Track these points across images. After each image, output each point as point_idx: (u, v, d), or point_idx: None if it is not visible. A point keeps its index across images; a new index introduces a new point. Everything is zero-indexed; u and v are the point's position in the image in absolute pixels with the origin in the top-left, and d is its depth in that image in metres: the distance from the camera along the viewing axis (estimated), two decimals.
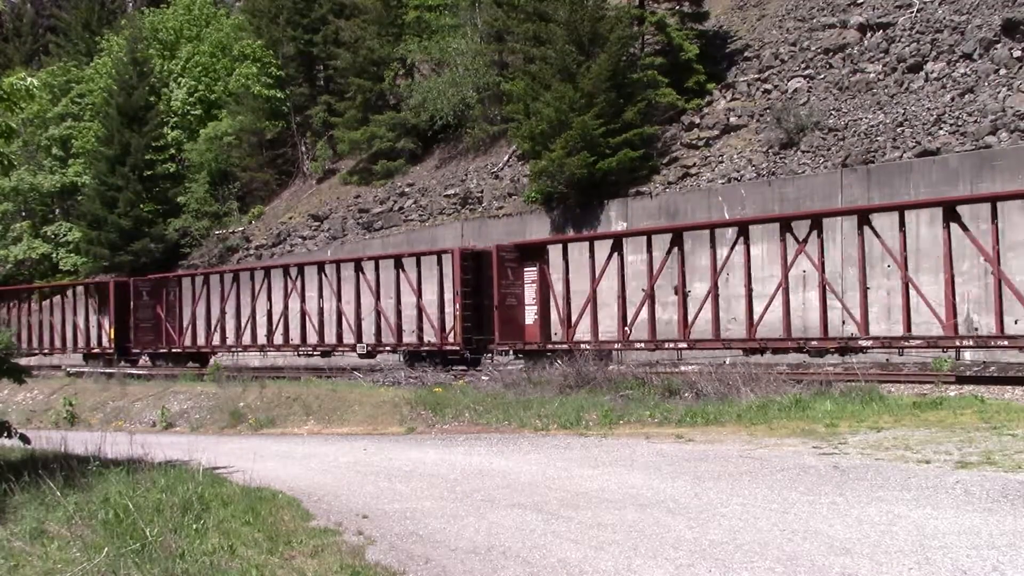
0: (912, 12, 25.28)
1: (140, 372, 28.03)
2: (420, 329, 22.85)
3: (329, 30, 39.62)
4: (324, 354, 25.17)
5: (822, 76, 25.60)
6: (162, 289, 29.45)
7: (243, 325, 27.18)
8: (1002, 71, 21.91)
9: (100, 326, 30.92)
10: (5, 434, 9.55)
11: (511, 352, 20.89)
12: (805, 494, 7.69)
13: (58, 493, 8.03)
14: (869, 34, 25.76)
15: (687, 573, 5.73)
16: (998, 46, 22.40)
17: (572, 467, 9.84)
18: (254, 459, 10.62)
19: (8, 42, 59.19)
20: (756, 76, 27.22)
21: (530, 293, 20.97)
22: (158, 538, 6.51)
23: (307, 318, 25.45)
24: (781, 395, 13.41)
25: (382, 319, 23.73)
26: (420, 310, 22.72)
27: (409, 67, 37.58)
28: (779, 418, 12.19)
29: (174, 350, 28.97)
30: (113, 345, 29.79)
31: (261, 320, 26.85)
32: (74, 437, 13.39)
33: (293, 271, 26.13)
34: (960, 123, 21.15)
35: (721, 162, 25.01)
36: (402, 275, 23.32)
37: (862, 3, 26.95)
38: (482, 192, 30.65)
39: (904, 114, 22.46)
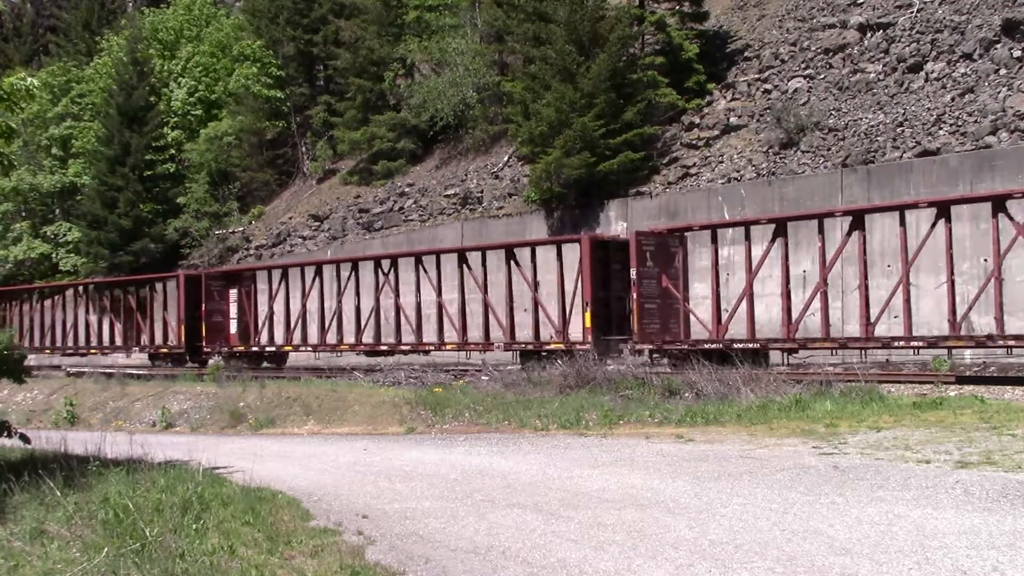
0: (912, 12, 25.28)
1: (141, 372, 27.97)
2: None
3: (329, 30, 39.65)
4: None
5: (822, 76, 25.61)
6: (669, 251, 18.85)
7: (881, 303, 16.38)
8: (1002, 71, 21.91)
9: (567, 301, 19.75)
10: (5, 434, 9.55)
11: None
12: (805, 494, 7.69)
13: (58, 493, 8.03)
14: (869, 34, 25.76)
15: (687, 573, 5.73)
16: (998, 46, 22.40)
17: (572, 467, 9.84)
18: (254, 459, 10.62)
19: (8, 42, 59.23)
20: (756, 76, 27.22)
21: None
22: (158, 538, 6.51)
23: None
24: (781, 395, 13.41)
25: None
26: None
27: (409, 67, 37.59)
28: (779, 418, 12.19)
29: (709, 346, 17.67)
30: (589, 335, 19.04)
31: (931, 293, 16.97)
32: (74, 437, 13.38)
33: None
34: (960, 123, 21.15)
35: (721, 162, 25.01)
36: None
37: (862, 3, 26.96)
38: (482, 192, 30.65)
39: (904, 114, 22.46)
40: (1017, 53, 21.96)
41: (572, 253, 19.99)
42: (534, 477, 9.36)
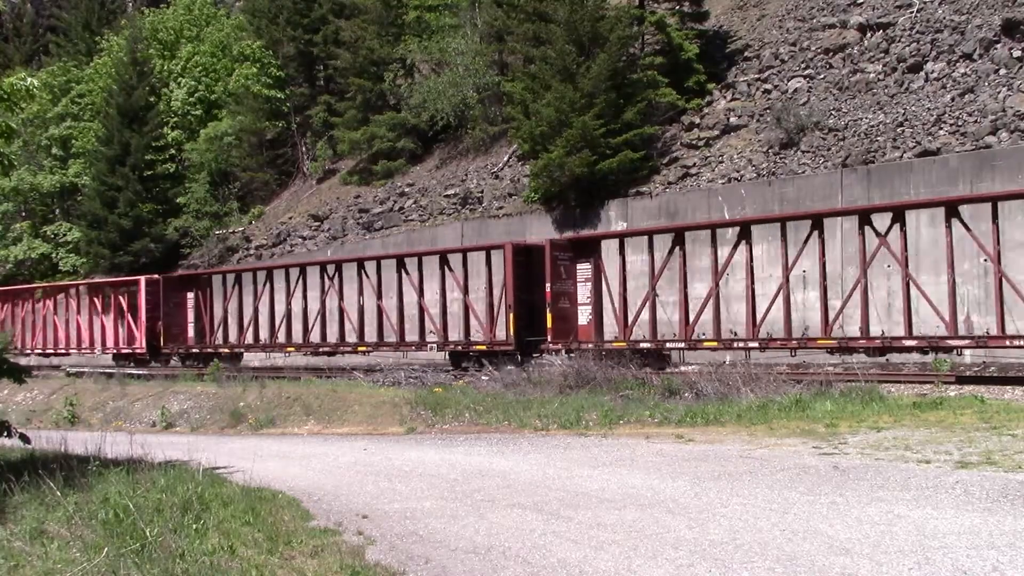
0: (912, 12, 25.28)
1: (140, 372, 27.92)
2: None
3: (329, 30, 39.65)
4: None
5: (822, 76, 25.60)
6: None
7: None
8: (1002, 71, 21.91)
9: None
10: (5, 434, 9.54)
11: None
12: (805, 494, 7.69)
13: (58, 493, 8.02)
14: (869, 34, 25.76)
15: (687, 573, 5.73)
16: (998, 46, 22.40)
17: (572, 467, 9.84)
18: (254, 459, 10.62)
19: (8, 42, 59.25)
20: (756, 76, 27.22)
21: None
22: (158, 538, 6.51)
23: None
24: (781, 395, 13.42)
25: None
26: None
27: (409, 67, 37.60)
28: (779, 418, 12.20)
29: None
30: None
31: None
32: (74, 437, 13.39)
33: None
34: (960, 123, 21.15)
35: (721, 162, 25.01)
36: None
37: (862, 3, 26.96)
38: (482, 192, 30.65)
39: (904, 114, 22.46)
40: (1017, 53, 21.96)
41: None
42: (534, 477, 9.36)
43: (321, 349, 25.21)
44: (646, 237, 19.80)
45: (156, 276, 29.99)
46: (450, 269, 22.68)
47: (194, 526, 7.04)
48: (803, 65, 26.41)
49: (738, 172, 24.10)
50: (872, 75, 24.50)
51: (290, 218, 37.79)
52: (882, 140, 21.99)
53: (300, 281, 25.75)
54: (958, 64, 22.94)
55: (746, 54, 28.58)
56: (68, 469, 9.12)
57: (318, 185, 39.68)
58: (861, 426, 11.12)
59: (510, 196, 29.51)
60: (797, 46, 27.17)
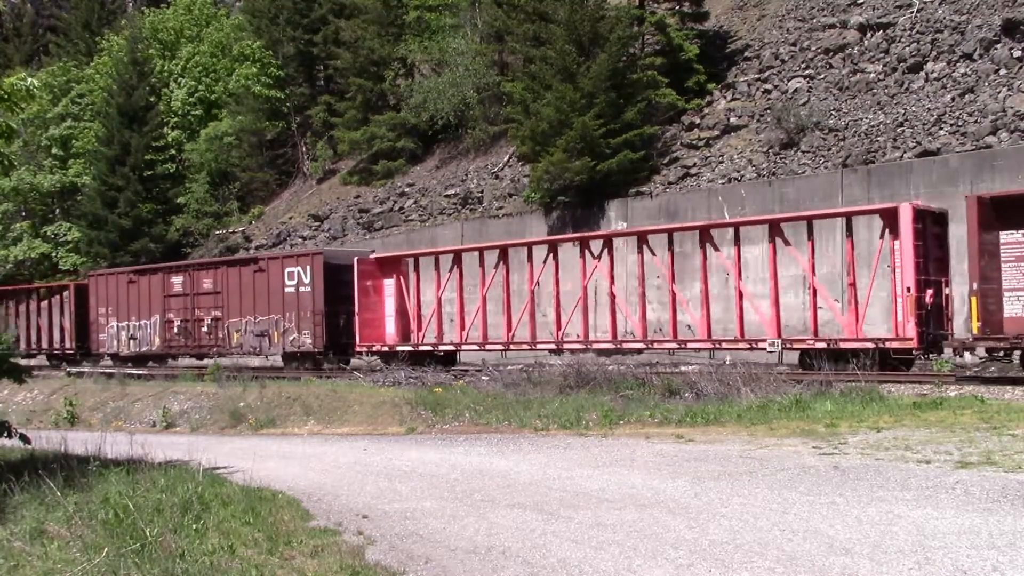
0: (912, 12, 25.29)
1: (140, 372, 27.91)
2: None
3: (329, 30, 39.68)
4: None
5: (822, 76, 25.61)
6: None
7: None
8: (1002, 71, 21.91)
9: None
10: (5, 434, 9.53)
11: None
12: (805, 494, 7.68)
13: (58, 493, 8.02)
14: (869, 34, 25.76)
15: (687, 573, 5.73)
16: (998, 46, 22.40)
17: (572, 467, 9.84)
18: (254, 459, 10.61)
19: (8, 42, 59.28)
20: (756, 76, 27.22)
21: None
22: (158, 538, 6.51)
23: None
24: (781, 395, 13.41)
25: None
26: None
27: (409, 67, 37.63)
28: (779, 418, 12.19)
29: None
30: None
31: None
32: (74, 437, 13.39)
33: None
34: (960, 123, 21.15)
35: (721, 162, 25.01)
36: None
37: (862, 3, 26.96)
38: (482, 192, 30.65)
39: (904, 114, 22.46)
40: (1017, 53, 21.96)
41: None
42: (534, 477, 9.35)
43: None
44: None
45: (909, 205, 15.31)
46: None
47: (194, 526, 7.04)
48: (803, 65, 26.41)
49: (738, 172, 24.11)
50: (872, 75, 24.50)
51: (290, 218, 37.80)
52: (882, 140, 21.99)
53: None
54: (958, 64, 22.95)
55: (746, 54, 28.58)
56: (68, 469, 9.12)
57: (318, 185, 39.70)
58: (861, 426, 11.12)
59: (510, 196, 29.52)
60: (797, 46, 27.17)
